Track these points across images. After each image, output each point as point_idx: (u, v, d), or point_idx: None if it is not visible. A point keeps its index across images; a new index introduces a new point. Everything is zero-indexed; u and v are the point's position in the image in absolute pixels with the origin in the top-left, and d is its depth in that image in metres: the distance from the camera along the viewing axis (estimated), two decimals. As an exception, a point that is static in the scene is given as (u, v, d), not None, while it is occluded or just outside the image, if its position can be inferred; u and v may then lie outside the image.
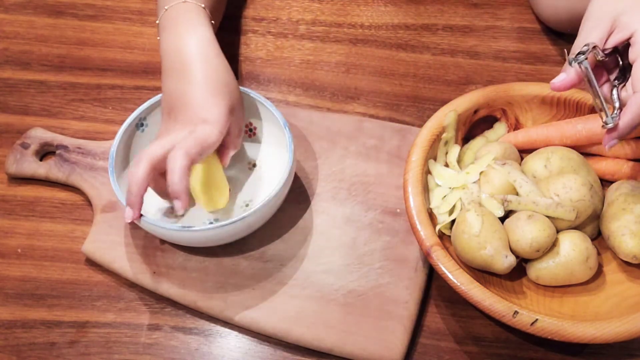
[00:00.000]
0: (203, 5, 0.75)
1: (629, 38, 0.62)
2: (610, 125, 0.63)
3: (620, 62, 0.65)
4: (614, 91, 0.64)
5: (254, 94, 0.78)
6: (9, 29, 0.98)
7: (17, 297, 0.75)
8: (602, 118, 0.64)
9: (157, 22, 0.76)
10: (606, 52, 0.63)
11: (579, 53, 0.62)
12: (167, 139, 0.69)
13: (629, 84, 0.63)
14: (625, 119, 0.62)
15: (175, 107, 0.72)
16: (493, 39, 0.95)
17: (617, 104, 0.64)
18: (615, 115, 0.63)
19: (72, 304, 0.74)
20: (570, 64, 0.63)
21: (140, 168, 0.68)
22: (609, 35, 0.63)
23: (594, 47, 0.63)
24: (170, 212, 0.77)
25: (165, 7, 0.75)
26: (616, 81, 0.65)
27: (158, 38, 0.76)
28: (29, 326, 0.73)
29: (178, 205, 0.68)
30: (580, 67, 0.62)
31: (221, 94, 0.71)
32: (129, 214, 0.69)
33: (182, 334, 0.72)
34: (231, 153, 0.75)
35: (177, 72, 0.72)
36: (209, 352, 0.71)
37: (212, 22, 0.76)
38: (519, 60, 0.93)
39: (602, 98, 0.64)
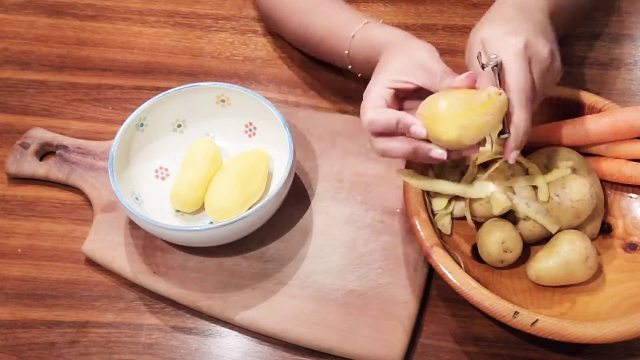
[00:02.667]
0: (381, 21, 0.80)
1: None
2: (506, 135, 0.65)
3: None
4: None
5: (254, 94, 0.78)
6: (9, 29, 0.98)
7: (17, 297, 0.75)
8: (502, 129, 0.66)
9: (346, 52, 0.79)
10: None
11: (491, 59, 0.65)
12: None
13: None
14: (513, 133, 0.65)
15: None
16: (493, 39, 0.95)
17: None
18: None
19: (72, 304, 0.74)
20: (483, 68, 0.66)
21: (366, 113, 0.68)
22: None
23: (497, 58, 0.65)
24: (171, 213, 0.77)
25: (352, 34, 0.78)
26: None
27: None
28: (29, 326, 0.73)
29: (416, 129, 0.65)
30: (493, 71, 0.64)
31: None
32: (417, 129, 0.66)
33: (182, 334, 0.72)
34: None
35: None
36: (209, 352, 0.71)
37: None
38: (519, 60, 0.93)
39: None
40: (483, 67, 0.65)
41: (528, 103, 0.64)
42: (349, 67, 0.81)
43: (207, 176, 0.77)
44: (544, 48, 0.66)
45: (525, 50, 0.65)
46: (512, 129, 0.65)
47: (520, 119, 0.64)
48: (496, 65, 0.64)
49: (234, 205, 0.74)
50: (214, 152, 0.78)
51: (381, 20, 0.80)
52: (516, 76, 0.64)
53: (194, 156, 0.78)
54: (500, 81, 0.64)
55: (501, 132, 0.66)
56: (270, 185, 0.79)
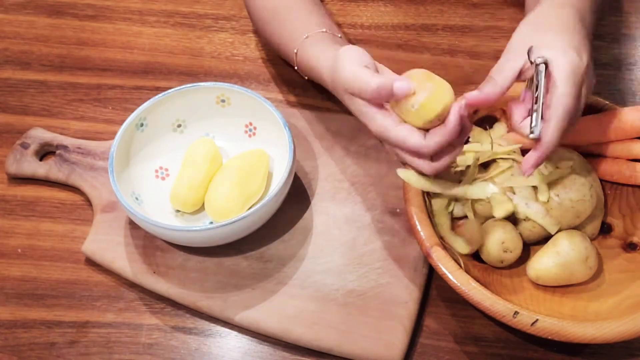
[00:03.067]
0: (339, 35, 0.80)
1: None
2: (535, 135, 0.62)
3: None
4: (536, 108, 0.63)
5: (254, 94, 0.78)
6: (9, 29, 0.98)
7: (17, 297, 0.75)
8: (530, 128, 0.63)
9: (295, 51, 0.79)
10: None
11: (537, 57, 0.62)
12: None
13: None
14: (536, 151, 0.63)
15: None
16: (493, 39, 0.95)
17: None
18: (540, 126, 0.63)
19: (72, 304, 0.74)
20: (531, 62, 0.63)
21: (361, 72, 0.64)
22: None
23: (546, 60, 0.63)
24: (171, 213, 0.77)
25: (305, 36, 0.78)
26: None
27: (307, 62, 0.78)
28: (29, 326, 0.73)
29: (399, 85, 0.62)
30: (537, 68, 0.62)
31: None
32: (405, 83, 0.62)
33: (182, 334, 0.72)
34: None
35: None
36: (209, 352, 0.71)
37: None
38: (519, 60, 0.93)
39: (541, 106, 0.63)
40: (530, 61, 0.62)
41: (563, 130, 0.62)
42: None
43: (207, 176, 0.77)
44: (594, 75, 0.64)
45: (583, 73, 0.62)
46: (540, 146, 0.63)
47: (550, 141, 0.62)
48: (543, 64, 0.62)
49: (234, 205, 0.74)
50: (214, 152, 0.78)
51: (324, 30, 0.79)
52: (565, 98, 0.61)
53: (194, 156, 0.78)
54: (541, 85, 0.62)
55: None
56: (270, 185, 0.79)
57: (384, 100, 0.64)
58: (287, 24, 0.83)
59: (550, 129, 0.62)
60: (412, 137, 0.63)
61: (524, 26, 0.67)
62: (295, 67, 0.81)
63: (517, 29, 0.67)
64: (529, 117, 0.63)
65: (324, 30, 0.79)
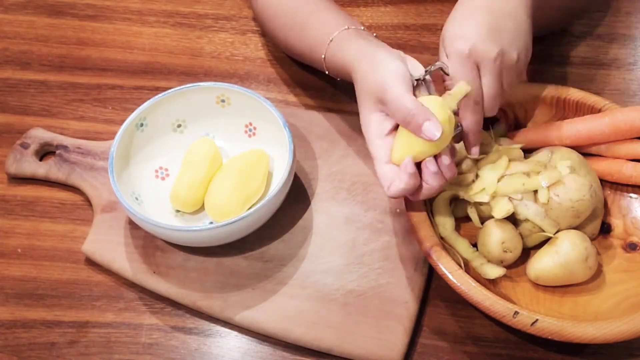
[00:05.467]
0: (362, 28, 0.78)
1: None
2: (457, 131, 0.69)
3: None
4: None
5: (254, 94, 0.78)
6: (9, 29, 0.98)
7: (17, 297, 0.75)
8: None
9: (323, 56, 0.78)
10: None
11: (426, 71, 0.69)
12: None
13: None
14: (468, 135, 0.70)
15: (384, 93, 0.69)
16: (493, 39, 0.95)
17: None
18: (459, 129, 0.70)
19: (72, 304, 0.74)
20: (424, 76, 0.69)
21: (406, 98, 0.65)
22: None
23: (440, 67, 0.69)
24: (171, 214, 0.77)
25: (331, 38, 0.77)
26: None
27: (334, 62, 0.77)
28: (29, 326, 0.73)
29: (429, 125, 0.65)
30: (425, 80, 0.69)
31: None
32: (434, 127, 0.64)
33: (182, 334, 0.72)
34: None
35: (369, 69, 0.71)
36: (209, 352, 0.71)
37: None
38: (519, 60, 0.93)
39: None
40: (426, 72, 0.69)
41: (474, 106, 0.68)
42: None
43: (207, 176, 0.77)
44: (491, 51, 0.67)
45: (469, 56, 0.67)
46: (465, 130, 0.70)
47: (469, 122, 0.69)
48: (430, 73, 0.69)
49: (234, 205, 0.74)
50: (214, 152, 0.78)
51: (346, 27, 0.77)
52: (459, 81, 0.67)
53: (194, 156, 0.78)
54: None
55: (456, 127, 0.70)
56: (270, 185, 0.79)
57: (407, 126, 0.66)
58: (308, 29, 0.81)
59: (461, 112, 0.69)
60: (387, 175, 0.67)
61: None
62: (326, 72, 0.80)
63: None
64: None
65: (346, 27, 0.78)
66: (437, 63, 0.69)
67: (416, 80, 0.68)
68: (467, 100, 0.68)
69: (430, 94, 0.69)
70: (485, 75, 0.68)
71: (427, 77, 0.69)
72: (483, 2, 0.69)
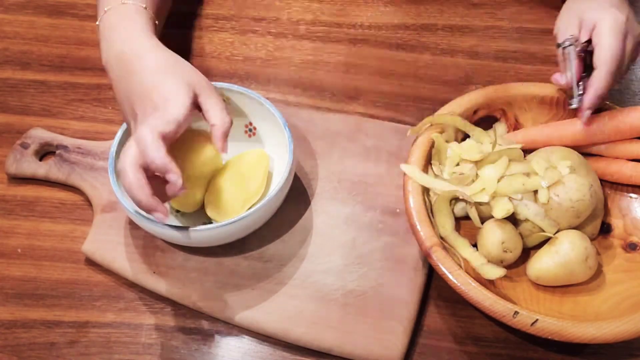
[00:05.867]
0: (144, 6, 0.75)
1: (593, 29, 0.73)
2: (574, 106, 0.75)
3: (587, 62, 0.75)
4: (580, 82, 0.75)
5: (254, 94, 0.78)
6: (9, 29, 0.98)
7: (17, 297, 0.75)
8: (569, 100, 0.76)
9: (97, 23, 0.75)
10: (579, 48, 0.74)
11: (564, 40, 0.75)
12: (134, 136, 0.66)
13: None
14: (588, 94, 0.73)
15: (135, 105, 0.68)
16: (493, 39, 0.95)
17: (580, 91, 0.74)
18: (579, 99, 0.74)
19: (72, 304, 0.74)
20: (557, 47, 0.76)
21: (128, 176, 0.64)
22: (579, 32, 0.75)
23: (575, 39, 0.74)
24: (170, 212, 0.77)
25: (105, 9, 0.74)
26: (584, 74, 0.75)
27: (99, 39, 0.75)
28: (29, 326, 0.73)
29: (173, 178, 0.64)
30: (564, 51, 0.75)
31: (173, 70, 0.69)
32: (159, 217, 0.65)
33: (182, 334, 0.72)
34: (220, 131, 0.68)
35: (125, 75, 0.70)
36: (209, 352, 0.71)
37: (156, 22, 0.76)
38: (519, 60, 0.93)
39: (575, 82, 0.75)
40: (558, 45, 0.75)
41: (612, 74, 0.72)
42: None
43: (207, 176, 0.77)
44: (638, 26, 0.73)
45: (625, 24, 0.72)
46: (591, 90, 0.72)
47: (600, 86, 0.72)
48: (571, 45, 0.74)
49: (234, 205, 0.74)
50: (214, 152, 0.78)
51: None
52: (609, 46, 0.71)
53: (193, 156, 0.77)
54: (583, 59, 0.74)
55: (568, 104, 0.76)
56: (270, 185, 0.79)
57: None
58: None
59: (600, 73, 0.72)
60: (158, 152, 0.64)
61: (565, 9, 0.79)
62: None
63: (560, 13, 0.79)
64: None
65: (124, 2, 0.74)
66: (569, 37, 0.74)
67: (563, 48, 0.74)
68: (608, 65, 0.71)
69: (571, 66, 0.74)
70: (628, 46, 0.73)
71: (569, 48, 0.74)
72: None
